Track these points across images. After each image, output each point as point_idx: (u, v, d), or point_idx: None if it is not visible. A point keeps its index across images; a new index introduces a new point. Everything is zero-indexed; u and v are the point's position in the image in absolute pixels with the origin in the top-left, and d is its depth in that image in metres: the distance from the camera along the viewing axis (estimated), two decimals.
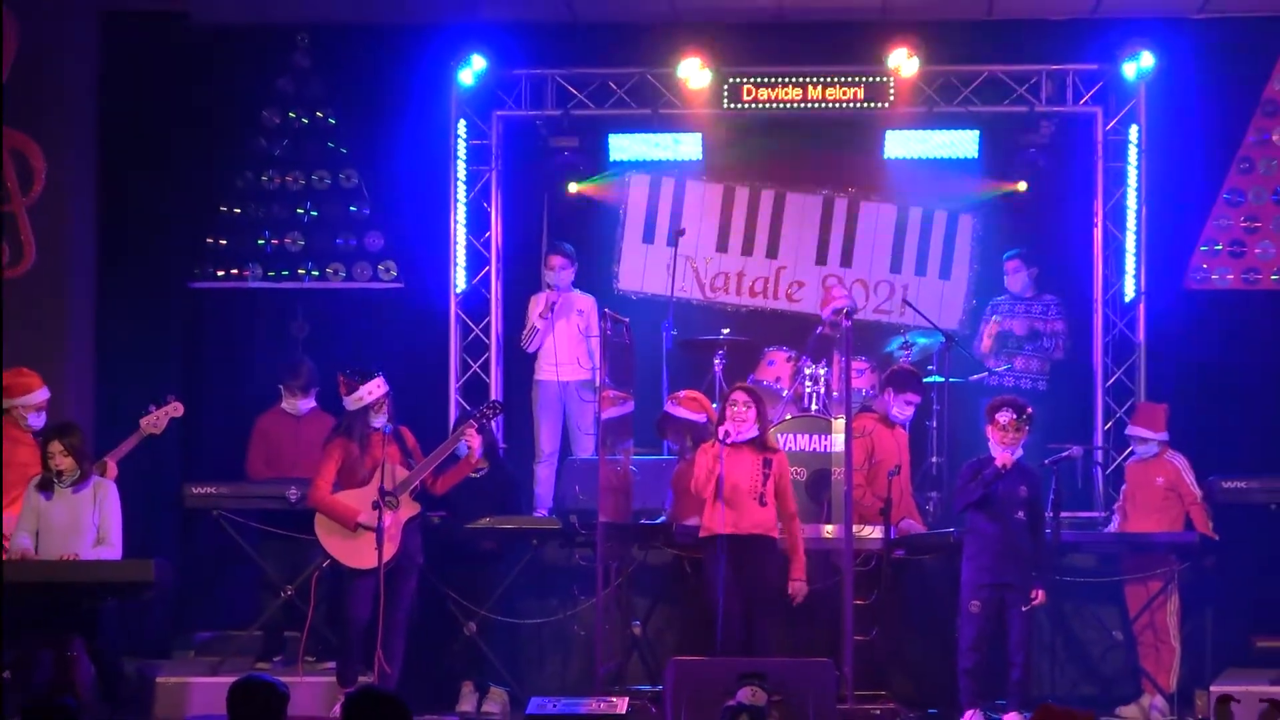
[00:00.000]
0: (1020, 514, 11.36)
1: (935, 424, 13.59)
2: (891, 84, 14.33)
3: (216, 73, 14.95)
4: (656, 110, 14.60)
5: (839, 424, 12.04)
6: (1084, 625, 12.45)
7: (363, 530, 11.35)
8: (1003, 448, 11.45)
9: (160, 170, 14.53)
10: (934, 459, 13.54)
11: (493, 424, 12.47)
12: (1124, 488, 12.66)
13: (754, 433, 11.52)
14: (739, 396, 11.66)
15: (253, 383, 14.22)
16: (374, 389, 11.53)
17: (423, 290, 14.89)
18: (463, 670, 12.27)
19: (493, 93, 14.70)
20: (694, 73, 14.27)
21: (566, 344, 13.90)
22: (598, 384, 12.30)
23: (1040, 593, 11.39)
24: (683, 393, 12.70)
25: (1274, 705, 11.23)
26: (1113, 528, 12.55)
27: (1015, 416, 11.49)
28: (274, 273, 15.10)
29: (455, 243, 14.69)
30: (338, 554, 11.53)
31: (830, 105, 14.48)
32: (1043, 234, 14.60)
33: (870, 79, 14.39)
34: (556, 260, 14.02)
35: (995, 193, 14.80)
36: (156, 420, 11.80)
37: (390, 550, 11.27)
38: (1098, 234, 14.48)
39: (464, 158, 14.76)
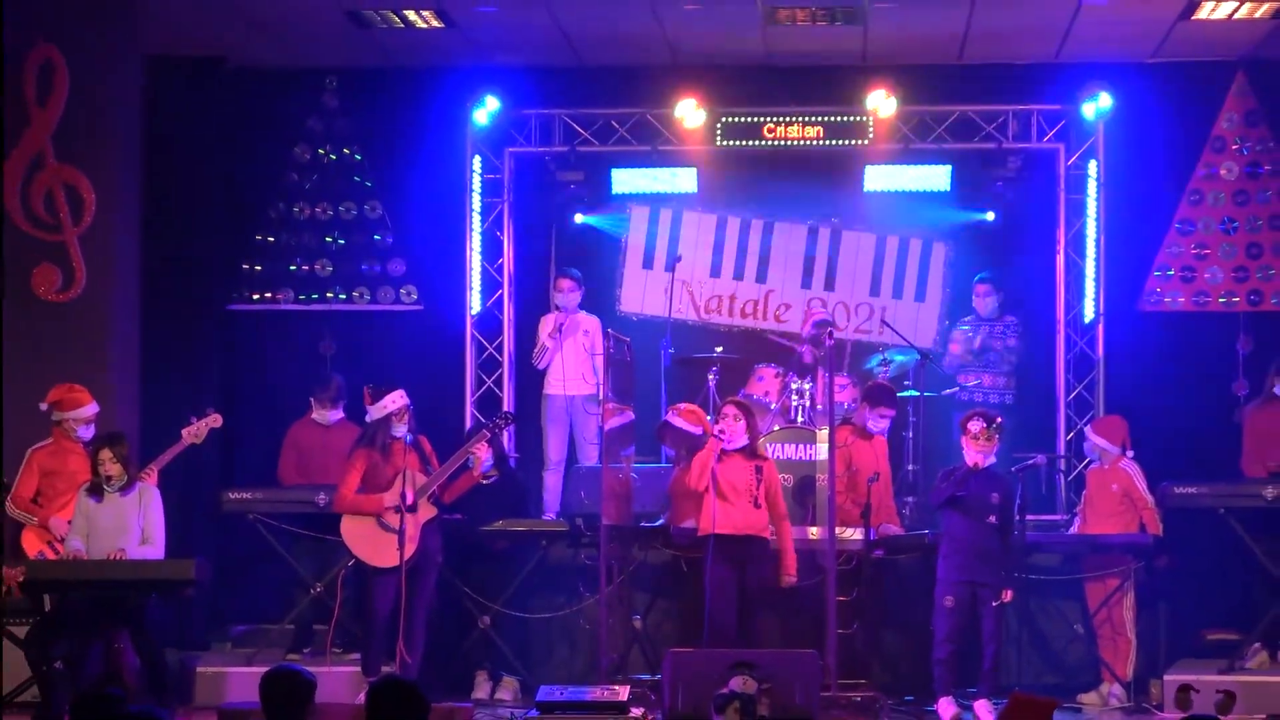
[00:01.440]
0: (991, 518, 11.35)
1: (911, 434, 13.60)
2: (871, 123, 14.33)
3: (252, 113, 14.99)
4: (655, 147, 14.60)
5: (823, 435, 12.04)
6: (1048, 619, 12.44)
7: (385, 531, 11.34)
8: (975, 454, 11.45)
9: (200, 202, 14.54)
10: (910, 467, 13.54)
11: (503, 436, 12.45)
12: (1084, 493, 12.64)
13: (744, 442, 11.54)
14: (730, 410, 11.70)
15: (285, 396, 14.20)
16: (395, 400, 11.52)
17: (441, 312, 14.90)
18: (477, 661, 12.26)
19: (505, 131, 14.71)
20: (689, 112, 14.29)
21: (573, 361, 13.88)
22: (601, 398, 12.28)
23: (1009, 592, 11.38)
24: (681, 405, 12.70)
25: (1229, 695, 11.25)
26: (1073, 529, 12.53)
27: (986, 426, 11.51)
28: (304, 296, 15.11)
29: (470, 268, 14.70)
30: (362, 554, 11.52)
31: (814, 142, 14.48)
32: (1009, 260, 14.60)
33: (851, 118, 14.40)
34: (564, 284, 14.02)
35: (966, 221, 14.81)
36: (197, 431, 11.78)
37: (410, 550, 11.26)
38: (1060, 260, 14.47)
39: (479, 190, 14.77)
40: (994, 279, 14.09)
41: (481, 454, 11.87)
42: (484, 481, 12.21)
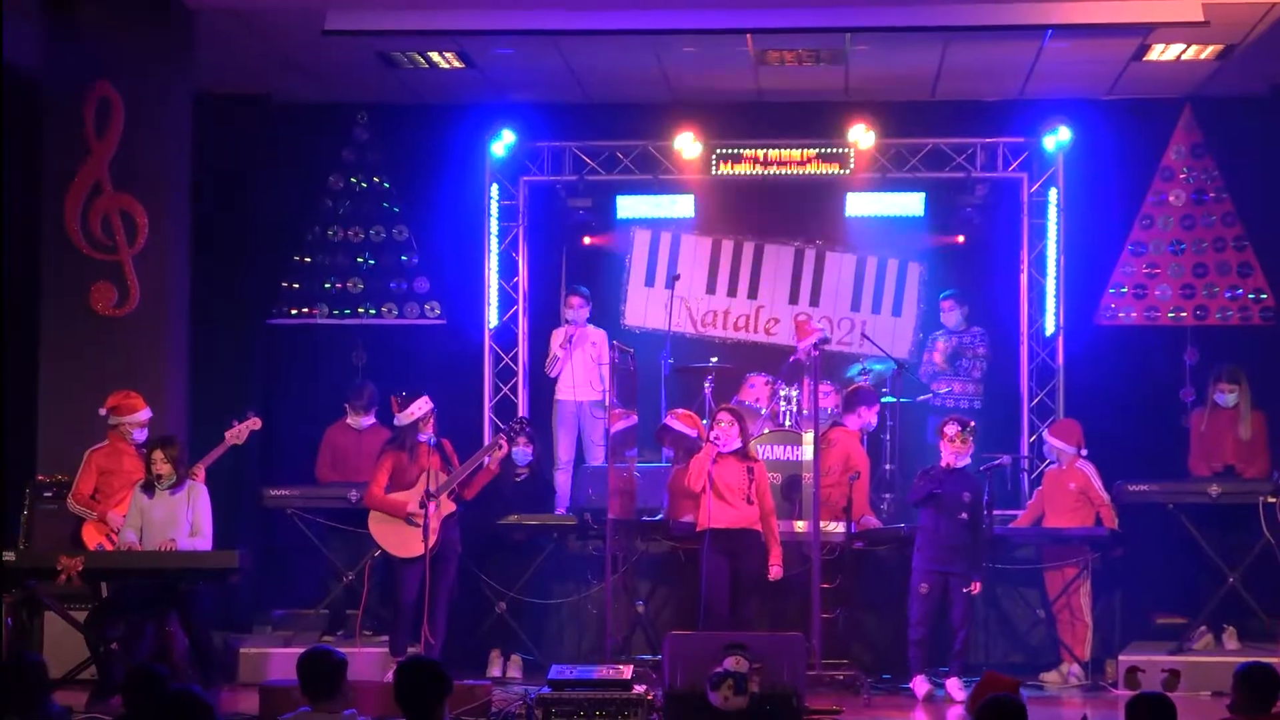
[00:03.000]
0: (963, 514, 11.35)
1: (888, 437, 13.59)
2: (851, 154, 14.33)
3: (291, 145, 14.99)
4: (656, 176, 14.61)
5: (808, 437, 12.04)
6: (1013, 605, 12.43)
7: (410, 524, 11.34)
8: (951, 454, 11.45)
9: (243, 225, 14.55)
10: (887, 466, 13.52)
11: (524, 442, 12.43)
12: (1037, 490, 12.64)
13: (738, 444, 11.54)
14: (724, 415, 11.70)
15: (320, 402, 14.20)
16: (421, 406, 11.51)
17: (461, 325, 14.91)
18: (495, 642, 12.25)
19: (520, 161, 14.72)
20: (687, 145, 14.29)
21: (582, 370, 13.89)
22: (607, 403, 12.28)
23: (977, 584, 11.37)
24: (679, 410, 12.72)
25: (1174, 673, 11.25)
26: (1017, 522, 12.47)
27: (961, 429, 11.53)
28: (338, 311, 15.11)
29: (489, 286, 14.72)
30: (389, 546, 11.51)
31: (800, 171, 14.49)
32: (978, 279, 14.60)
33: (834, 149, 14.39)
34: (574, 300, 14.04)
35: (938, 244, 14.81)
36: (239, 433, 11.78)
37: (433, 541, 11.26)
38: (1023, 279, 14.47)
39: (496, 215, 14.79)
40: (957, 295, 14.13)
41: (500, 452, 11.89)
42: (517, 479, 12.23)
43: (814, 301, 14.97)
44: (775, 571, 11.49)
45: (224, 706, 10.51)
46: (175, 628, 10.96)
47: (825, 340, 12.79)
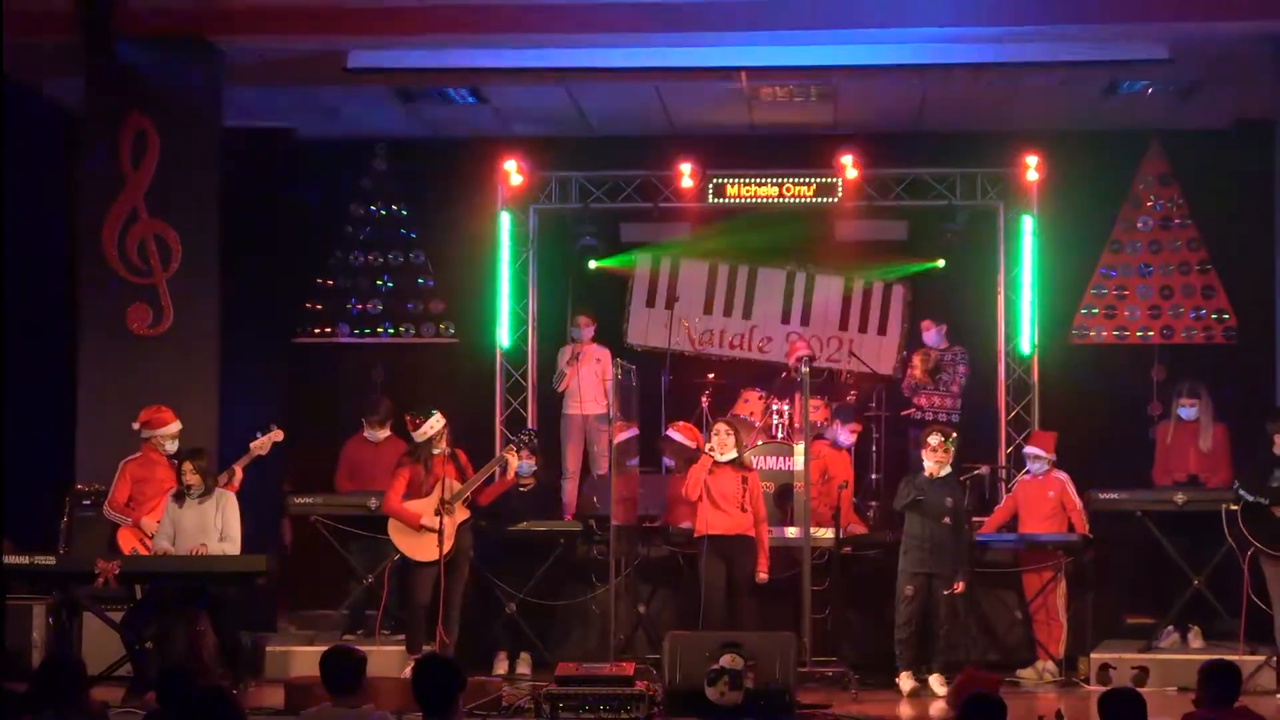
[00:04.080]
0: (945, 519, 11.33)
1: (875, 448, 13.58)
2: (840, 183, 14.32)
3: (314, 175, 15.02)
4: (657, 204, 14.60)
5: (799, 448, 12.02)
6: (992, 605, 12.38)
7: (426, 530, 11.32)
8: (933, 463, 11.44)
9: (270, 250, 14.54)
10: (874, 475, 13.52)
11: (533, 453, 12.41)
12: (1007, 497, 12.60)
13: (733, 455, 11.53)
14: (721, 427, 11.71)
15: (341, 416, 14.18)
16: (435, 424, 11.50)
17: (474, 344, 14.92)
18: (506, 641, 12.22)
19: (529, 191, 14.71)
20: (686, 175, 14.28)
21: (587, 386, 13.88)
22: (611, 417, 12.26)
23: (959, 584, 11.35)
24: (680, 423, 12.72)
25: (1143, 670, 11.22)
26: (988, 523, 12.41)
27: (943, 440, 11.52)
28: (358, 330, 15.14)
29: (501, 307, 14.69)
30: (406, 550, 11.49)
31: (791, 199, 14.49)
32: (958, 300, 14.58)
33: (823, 179, 14.38)
34: (581, 320, 14.06)
35: (921, 268, 14.80)
36: (262, 444, 11.76)
37: (447, 547, 11.24)
38: (1000, 300, 14.45)
39: (507, 241, 14.75)
40: (934, 315, 14.10)
41: (511, 463, 11.87)
42: (522, 488, 12.22)
43: (804, 321, 14.95)
44: (761, 577, 11.49)
45: (251, 701, 10.50)
46: (205, 627, 10.94)
47: (810, 358, 12.78)
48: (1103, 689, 7.61)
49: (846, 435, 12.76)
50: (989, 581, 12.28)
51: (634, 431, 12.56)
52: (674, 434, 12.43)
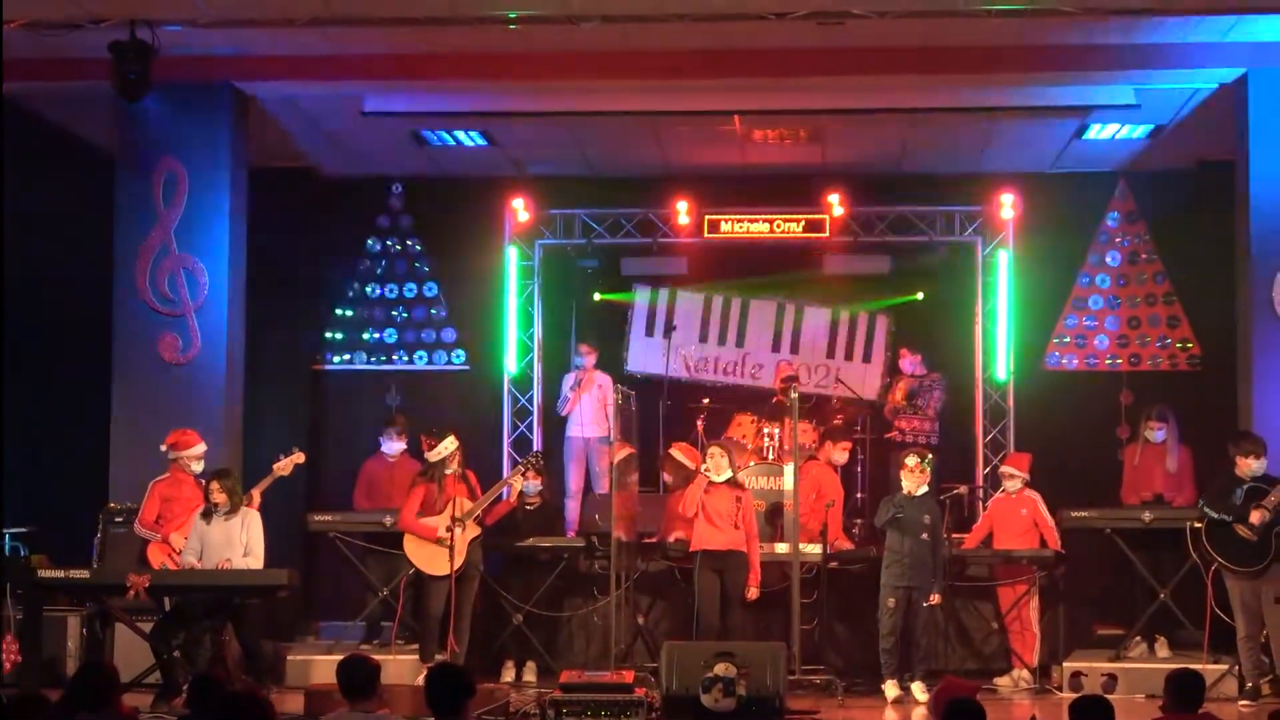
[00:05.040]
0: (924, 535, 11.32)
1: (860, 469, 13.59)
2: (827, 220, 14.34)
3: (333, 212, 15.08)
4: (655, 239, 14.62)
5: (788, 469, 12.03)
6: (969, 617, 12.37)
7: (439, 546, 11.32)
8: (911, 483, 11.45)
9: (292, 283, 14.59)
10: (859, 495, 13.52)
11: (537, 475, 12.41)
12: (984, 514, 12.60)
13: (727, 475, 11.54)
14: (715, 450, 11.71)
15: (358, 439, 14.20)
16: (448, 445, 11.52)
17: (484, 371, 14.93)
18: (513, 650, 12.21)
19: (535, 227, 14.73)
20: (682, 212, 14.32)
21: (589, 410, 13.88)
22: (612, 439, 12.27)
23: (937, 596, 11.34)
24: (682, 444, 12.75)
25: (1112, 677, 11.21)
26: (969, 539, 12.41)
27: (920, 461, 11.51)
28: (375, 358, 15.16)
29: (508, 336, 14.70)
30: (420, 564, 11.49)
31: (782, 235, 14.51)
32: (938, 330, 14.61)
33: (811, 216, 14.40)
34: (583, 348, 14.05)
35: (903, 300, 14.82)
36: (285, 465, 11.75)
37: (458, 562, 11.24)
38: (977, 330, 14.47)
39: (514, 274, 14.76)
40: (910, 344, 14.13)
41: (517, 485, 11.89)
42: (528, 507, 12.23)
43: (794, 350, 14.96)
44: (752, 593, 11.48)
45: (272, 708, 10.47)
46: (230, 637, 10.93)
47: (793, 378, 12.87)
48: (1074, 696, 7.61)
49: (840, 454, 12.79)
50: (967, 594, 12.28)
51: (633, 453, 12.58)
52: (676, 453, 12.47)
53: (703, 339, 15.03)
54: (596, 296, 14.95)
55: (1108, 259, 14.83)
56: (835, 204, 14.19)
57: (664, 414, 14.06)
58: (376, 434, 13.34)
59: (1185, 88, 12.50)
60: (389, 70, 12.29)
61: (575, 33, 11.24)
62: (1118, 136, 13.79)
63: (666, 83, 12.44)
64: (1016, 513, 12.08)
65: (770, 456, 13.34)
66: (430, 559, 11.40)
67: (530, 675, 12.06)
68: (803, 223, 14.44)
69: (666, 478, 12.76)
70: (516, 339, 14.73)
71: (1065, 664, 11.65)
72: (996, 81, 12.47)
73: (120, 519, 11.93)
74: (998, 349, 14.38)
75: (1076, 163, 14.56)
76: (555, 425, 14.35)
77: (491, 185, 14.75)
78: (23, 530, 12.25)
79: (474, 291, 14.99)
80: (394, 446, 13.12)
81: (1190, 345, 14.64)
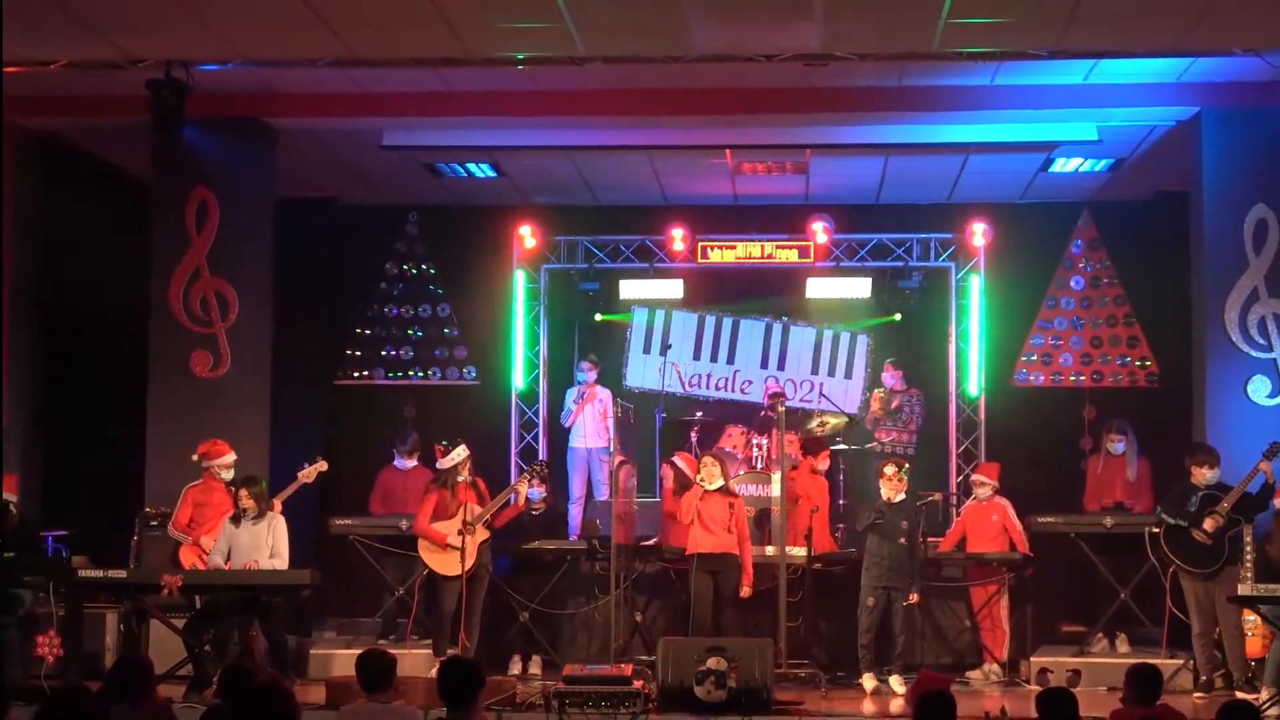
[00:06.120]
0: (901, 539, 11.31)
1: (842, 477, 13.59)
2: (811, 246, 14.38)
3: (353, 238, 15.09)
4: (652, 264, 14.65)
5: (776, 477, 12.02)
6: (944, 615, 12.35)
7: (450, 548, 11.32)
8: (889, 490, 11.45)
9: (315, 303, 14.60)
10: (841, 501, 13.51)
11: (543, 483, 12.40)
12: (956, 520, 12.59)
13: (720, 483, 11.54)
14: (708, 460, 11.70)
15: (376, 449, 14.17)
16: (459, 454, 11.52)
17: (493, 386, 14.95)
18: (520, 646, 12.19)
19: (541, 252, 14.75)
20: (677, 239, 14.33)
21: (591, 422, 13.89)
22: (612, 449, 12.27)
23: (914, 595, 11.34)
24: (684, 454, 12.73)
25: (1076, 672, 11.20)
26: (943, 543, 12.41)
27: (897, 470, 11.52)
28: (392, 374, 15.18)
29: (516, 354, 14.71)
30: (433, 565, 11.48)
31: (769, 260, 14.54)
32: (914, 349, 14.61)
33: (797, 243, 14.43)
34: (585, 365, 14.06)
35: (882, 320, 14.84)
36: (308, 473, 11.77)
37: (469, 563, 11.23)
38: (951, 348, 14.50)
39: (522, 296, 14.79)
40: (895, 361, 14.14)
41: (522, 490, 11.88)
42: (533, 512, 12.21)
43: (780, 366, 14.97)
44: (745, 591, 11.47)
45: (296, 697, 10.46)
46: (257, 632, 10.93)
47: (780, 394, 12.89)
48: (1040, 689, 7.60)
49: (821, 462, 12.80)
50: (942, 594, 12.27)
51: (631, 463, 12.58)
52: (679, 461, 12.48)
53: (696, 356, 15.04)
54: (598, 317, 14.96)
55: (1072, 283, 14.85)
56: (819, 231, 14.23)
57: (660, 426, 14.06)
58: (392, 445, 13.34)
59: (1143, 125, 12.53)
60: (406, 107, 12.31)
61: (579, 73, 11.27)
62: (1081, 169, 13.81)
63: (663, 119, 12.48)
64: (987, 518, 12.08)
65: (759, 465, 13.33)
66: (443, 560, 11.39)
67: (536, 668, 12.04)
68: (789, 249, 14.46)
69: (669, 481, 12.71)
70: (523, 356, 14.75)
71: (1033, 659, 11.63)
72: (969, 119, 12.49)
73: (155, 523, 11.92)
74: (970, 366, 14.41)
75: (1043, 194, 14.59)
76: (559, 436, 14.36)
77: (500, 214, 14.77)
78: (65, 533, 12.24)
79: (484, 312, 15.00)
80: (407, 463, 13.12)
81: (1149, 363, 14.66)
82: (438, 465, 11.63)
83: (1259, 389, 11.87)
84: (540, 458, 14.08)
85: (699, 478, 11.66)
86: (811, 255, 14.40)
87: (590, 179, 14.34)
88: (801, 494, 12.33)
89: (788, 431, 12.55)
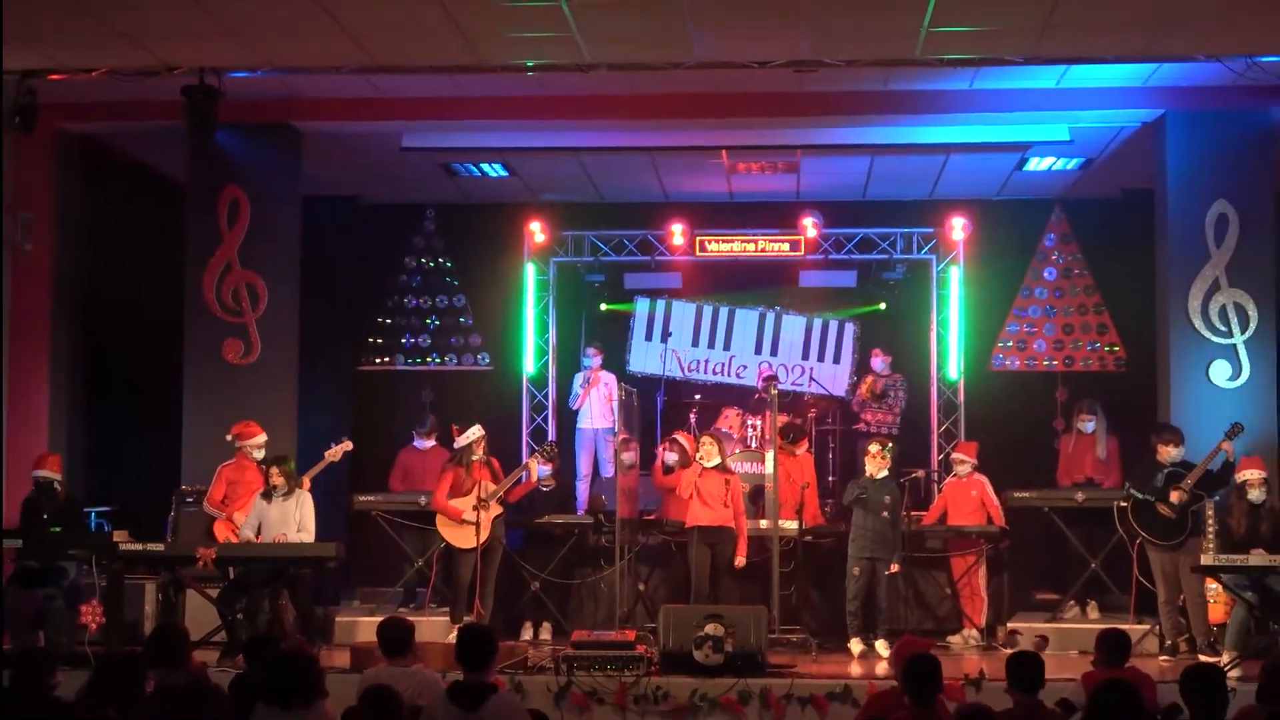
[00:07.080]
0: (885, 513, 11.32)
1: (831, 456, 13.59)
2: (802, 240, 14.35)
3: (374, 233, 15.07)
4: (654, 257, 14.62)
5: (769, 455, 12.03)
6: (926, 584, 12.34)
7: (466, 523, 11.33)
8: (873, 467, 11.45)
9: (339, 294, 14.58)
10: (830, 478, 13.52)
11: (556, 463, 12.41)
12: (938, 496, 12.59)
13: (717, 461, 11.54)
14: (706, 439, 11.72)
15: (396, 430, 14.21)
16: (474, 433, 11.53)
17: (505, 371, 14.93)
18: (531, 613, 12.20)
19: (550, 247, 14.74)
20: (677, 234, 14.32)
21: (597, 405, 13.88)
22: (616, 430, 12.28)
23: (896, 565, 11.35)
24: (686, 433, 12.74)
25: (1043, 637, 11.21)
26: (927, 517, 12.40)
27: (880, 448, 11.52)
28: (411, 360, 15.16)
29: (527, 341, 14.70)
30: (450, 539, 11.49)
31: (763, 253, 14.52)
32: (898, 335, 14.59)
33: (788, 237, 14.41)
34: (592, 351, 14.05)
35: (868, 309, 14.83)
36: (334, 453, 11.78)
37: (484, 536, 11.24)
38: (932, 335, 14.47)
39: (532, 288, 14.77)
40: (883, 347, 14.13)
41: (533, 468, 11.90)
42: (543, 489, 12.23)
43: (774, 352, 14.96)
44: (740, 562, 11.48)
45: (323, 662, 10.45)
46: (286, 602, 10.94)
47: (773, 377, 12.89)
48: (1011, 651, 7.63)
49: (799, 449, 12.78)
50: (924, 564, 12.28)
51: (634, 443, 12.58)
52: (680, 439, 12.50)
53: (695, 343, 15.03)
54: (603, 306, 14.97)
55: (1045, 274, 14.83)
56: (809, 226, 14.20)
57: (661, 408, 14.07)
58: (412, 426, 13.36)
59: (1112, 126, 12.52)
60: (423, 111, 12.30)
61: (585, 79, 11.26)
62: (1054, 168, 13.80)
63: (664, 122, 12.47)
64: (967, 494, 12.08)
65: (753, 445, 13.34)
66: (459, 534, 11.40)
67: (546, 634, 12.05)
68: (781, 243, 14.45)
69: (671, 456, 12.68)
70: (534, 343, 14.74)
71: (1009, 624, 11.65)
72: (949, 121, 12.48)
73: (191, 499, 11.95)
74: (950, 352, 14.39)
75: (1018, 191, 14.58)
76: (567, 418, 14.35)
77: (512, 211, 14.77)
78: (106, 509, 12.28)
79: (497, 302, 14.99)
80: (425, 444, 13.14)
81: (1117, 349, 14.65)
82: (455, 443, 11.64)
83: (1220, 372, 11.88)
84: (550, 438, 14.08)
85: (697, 455, 11.67)
86: (802, 249, 14.38)
87: (596, 178, 14.33)
88: (783, 479, 12.33)
89: (781, 413, 12.55)
